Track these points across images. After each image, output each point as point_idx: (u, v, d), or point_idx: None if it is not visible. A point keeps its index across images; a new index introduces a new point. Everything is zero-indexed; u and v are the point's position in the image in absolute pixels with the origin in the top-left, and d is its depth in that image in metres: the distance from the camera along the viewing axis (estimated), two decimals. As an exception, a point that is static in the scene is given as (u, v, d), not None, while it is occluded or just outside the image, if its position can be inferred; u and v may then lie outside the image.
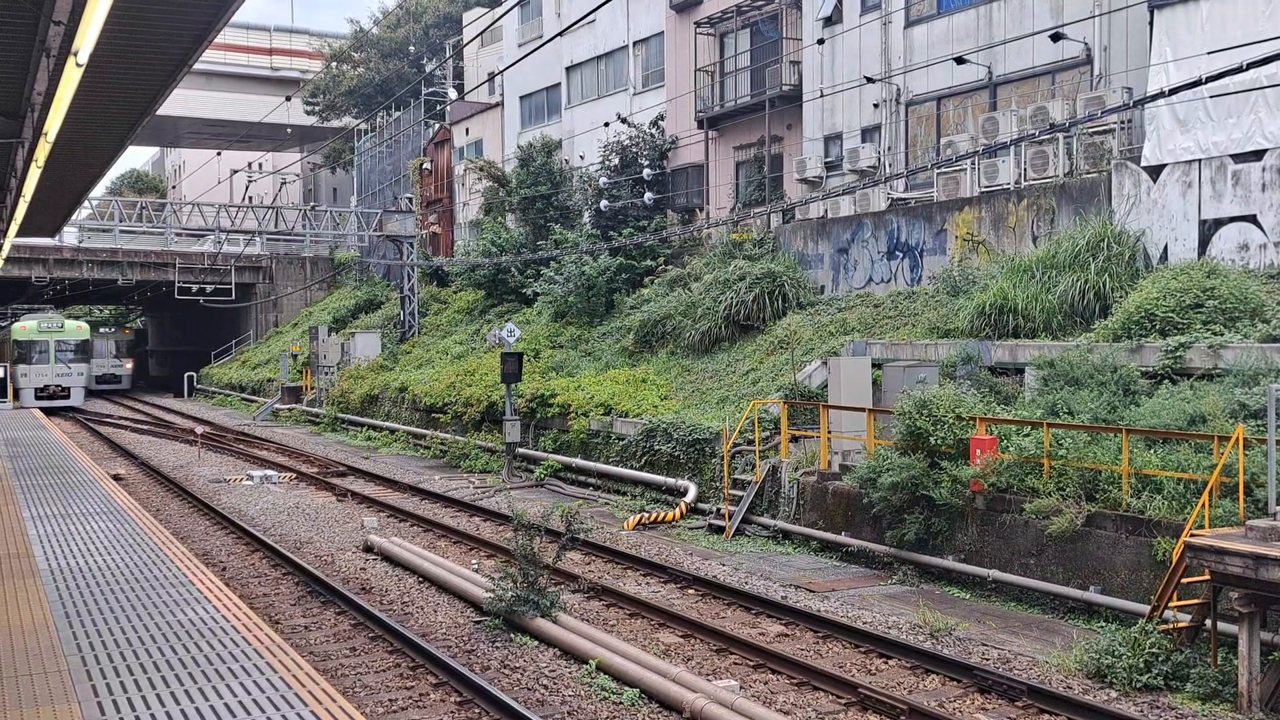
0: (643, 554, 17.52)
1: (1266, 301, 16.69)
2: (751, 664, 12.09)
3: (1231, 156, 18.24)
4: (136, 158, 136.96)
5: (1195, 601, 11.42)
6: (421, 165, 53.17)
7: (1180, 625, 11.47)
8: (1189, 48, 18.70)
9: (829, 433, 18.56)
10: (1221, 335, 16.08)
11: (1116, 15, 21.69)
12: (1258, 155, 17.90)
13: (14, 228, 25.18)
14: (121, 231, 50.70)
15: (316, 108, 67.17)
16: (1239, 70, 11.67)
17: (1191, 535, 11.02)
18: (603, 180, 36.23)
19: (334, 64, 66.31)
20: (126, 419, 44.95)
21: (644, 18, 37.69)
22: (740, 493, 19.62)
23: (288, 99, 37.74)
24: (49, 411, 44.49)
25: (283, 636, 11.31)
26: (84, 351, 51.09)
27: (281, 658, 9.08)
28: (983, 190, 22.79)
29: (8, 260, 49.65)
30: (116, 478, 24.50)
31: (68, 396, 49.04)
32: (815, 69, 29.20)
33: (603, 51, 40.05)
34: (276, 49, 76.56)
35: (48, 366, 48.96)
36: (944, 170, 23.54)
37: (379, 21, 66.46)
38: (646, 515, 20.46)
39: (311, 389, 45.58)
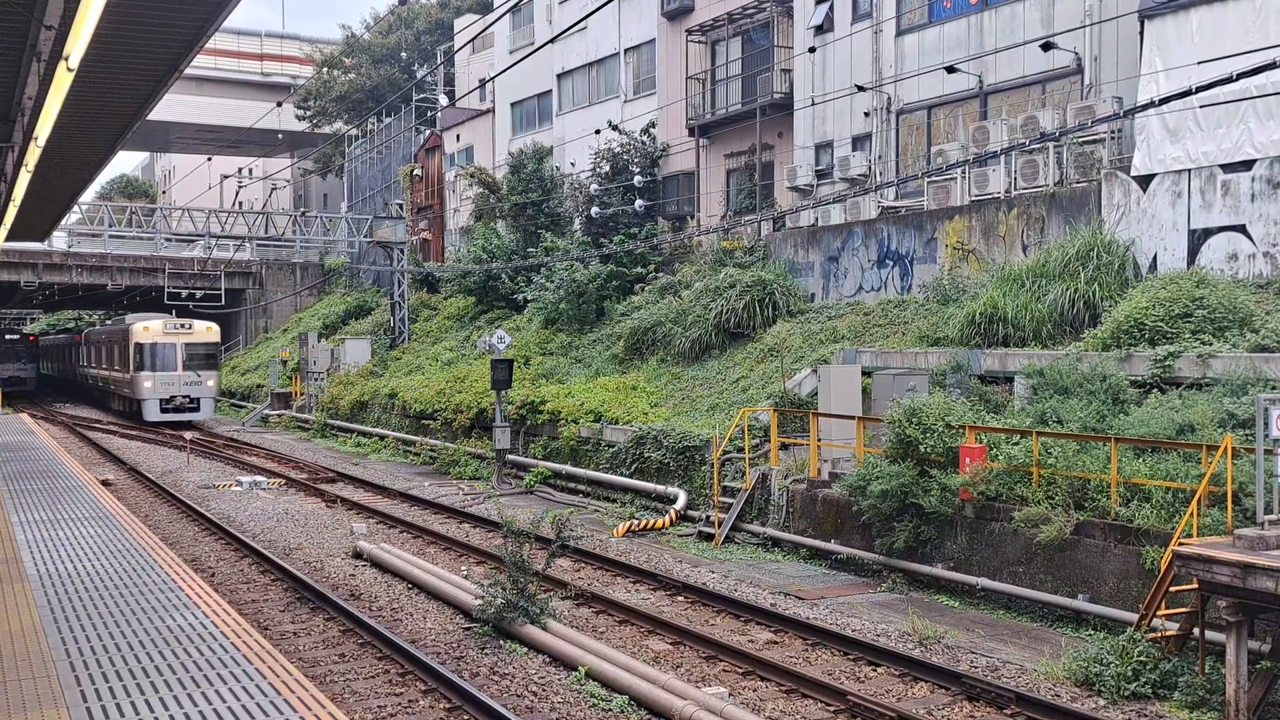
0: (632, 561, 17.51)
1: (1255, 311, 16.76)
2: (741, 671, 12.10)
3: (1221, 166, 18.32)
4: (126, 162, 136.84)
5: (1183, 610, 11.45)
6: (412, 171, 53.16)
7: (1168, 634, 11.51)
8: (1179, 58, 18.79)
9: (819, 440, 18.58)
10: (1210, 345, 16.15)
11: (1107, 25, 21.79)
12: (1247, 165, 17.98)
13: (3, 232, 25.10)
14: (111, 236, 50.50)
15: (307, 113, 67.13)
16: (1229, 80, 11.75)
17: (1180, 544, 11.05)
18: (594, 187, 36.26)
19: (325, 69, 66.27)
20: (115, 424, 44.82)
21: (636, 25, 37.75)
22: (730, 500, 19.62)
23: (278, 104, 37.72)
24: (10, 395, 59.57)
25: (271, 642, 11.27)
26: (36, 355, 70.91)
27: (270, 663, 9.06)
28: (973, 199, 22.86)
29: (-4, 264, 49.86)
30: (105, 483, 24.38)
31: (25, 384, 67.79)
32: (806, 77, 29.28)
33: (594, 58, 40.12)
34: (267, 54, 76.42)
35: (11, 364, 67.96)
36: (934, 179, 23.61)
37: (371, 27, 66.47)
38: (636, 522, 20.46)
39: (301, 395, 45.49)
